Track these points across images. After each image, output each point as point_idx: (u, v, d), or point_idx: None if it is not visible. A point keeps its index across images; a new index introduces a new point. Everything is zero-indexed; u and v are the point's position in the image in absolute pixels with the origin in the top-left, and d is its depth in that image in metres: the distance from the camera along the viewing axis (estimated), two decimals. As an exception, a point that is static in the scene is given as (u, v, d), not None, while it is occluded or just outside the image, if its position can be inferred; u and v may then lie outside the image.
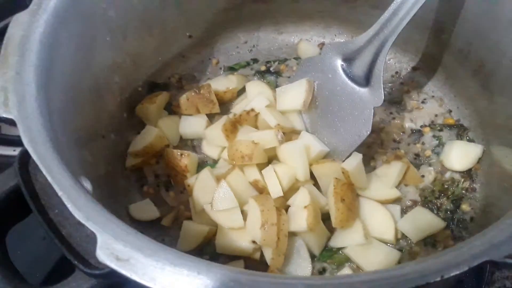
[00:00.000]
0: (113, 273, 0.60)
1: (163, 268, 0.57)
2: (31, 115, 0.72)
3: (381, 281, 0.55)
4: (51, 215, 0.69)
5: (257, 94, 1.14)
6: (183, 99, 1.16)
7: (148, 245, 0.59)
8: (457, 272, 0.56)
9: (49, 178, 0.64)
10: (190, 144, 1.16)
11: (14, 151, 1.25)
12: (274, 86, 1.23)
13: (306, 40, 1.33)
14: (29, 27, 0.82)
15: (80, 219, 0.60)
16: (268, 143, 1.03)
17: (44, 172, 0.65)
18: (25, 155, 0.73)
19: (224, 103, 1.20)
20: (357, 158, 1.00)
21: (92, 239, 0.63)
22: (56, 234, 0.67)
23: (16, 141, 1.25)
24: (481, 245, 0.58)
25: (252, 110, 1.10)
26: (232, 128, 1.09)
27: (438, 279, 0.55)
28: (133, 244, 0.59)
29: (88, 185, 0.76)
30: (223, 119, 1.09)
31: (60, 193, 0.63)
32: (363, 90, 1.05)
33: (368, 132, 1.02)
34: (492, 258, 0.57)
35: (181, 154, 1.07)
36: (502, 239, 0.59)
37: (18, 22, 0.82)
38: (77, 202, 0.63)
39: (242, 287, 0.55)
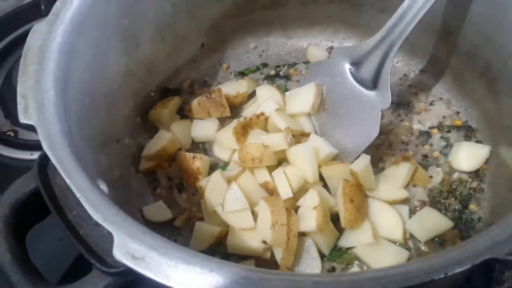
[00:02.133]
0: (128, 272, 0.63)
1: (177, 266, 0.59)
2: (50, 121, 0.75)
3: (387, 278, 0.57)
4: (69, 216, 0.72)
5: (267, 98, 1.17)
6: (195, 103, 1.19)
7: (162, 244, 0.62)
8: (461, 269, 0.58)
9: (67, 181, 0.67)
10: (201, 147, 1.19)
11: (31, 155, 1.29)
12: (284, 90, 1.25)
13: (315, 45, 1.35)
14: (48, 37, 0.85)
15: (97, 219, 0.63)
16: (277, 146, 1.05)
17: (63, 175, 0.68)
18: (44, 159, 0.76)
19: (235, 107, 1.23)
20: (365, 159, 1.02)
21: (108, 239, 0.66)
22: (74, 234, 0.70)
23: (33, 146, 1.30)
24: (484, 243, 0.60)
25: (262, 114, 1.12)
26: (243, 132, 1.11)
27: (442, 276, 0.57)
28: (148, 243, 0.61)
29: (104, 187, 0.79)
30: (234, 123, 1.11)
31: (78, 195, 0.66)
32: (371, 93, 1.07)
33: (376, 134, 1.04)
34: (495, 255, 0.58)
35: (194, 157, 1.10)
36: (504, 237, 0.60)
37: (36, 32, 0.85)
38: (94, 204, 0.65)
39: (252, 284, 0.58)
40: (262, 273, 0.59)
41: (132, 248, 0.61)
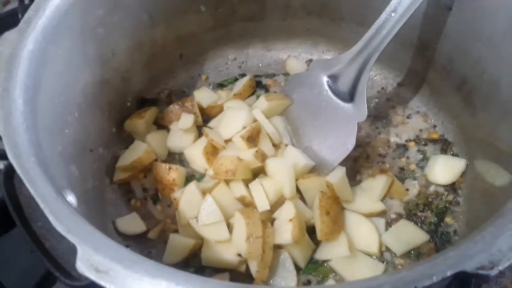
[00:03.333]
0: (93, 285, 0.61)
1: (142, 279, 0.58)
2: (17, 130, 0.74)
3: (356, 291, 0.56)
4: (34, 228, 0.70)
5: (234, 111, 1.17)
6: (167, 111, 1.18)
7: (128, 257, 0.60)
8: (430, 283, 0.57)
9: (31, 191, 0.65)
10: (178, 158, 1.17)
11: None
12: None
13: (294, 57, 1.36)
14: (18, 45, 0.84)
15: (61, 231, 0.62)
16: (251, 163, 1.04)
17: (27, 185, 0.66)
18: (10, 169, 0.74)
19: (212, 117, 1.22)
20: (341, 171, 1.02)
21: (73, 251, 0.64)
22: (38, 246, 0.68)
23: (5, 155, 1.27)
24: (455, 256, 0.59)
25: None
26: (213, 151, 1.11)
27: (411, 289, 0.56)
28: (112, 256, 0.60)
29: (72, 198, 0.78)
30: (204, 142, 1.11)
31: (42, 206, 0.64)
32: (347, 106, 1.07)
33: (353, 146, 1.04)
34: (465, 269, 0.58)
35: (169, 168, 1.09)
36: (475, 250, 0.60)
37: (6, 40, 0.84)
38: (58, 215, 0.64)
39: (220, 298, 0.56)
40: (229, 287, 0.58)
41: (96, 260, 0.59)
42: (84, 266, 0.59)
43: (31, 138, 0.75)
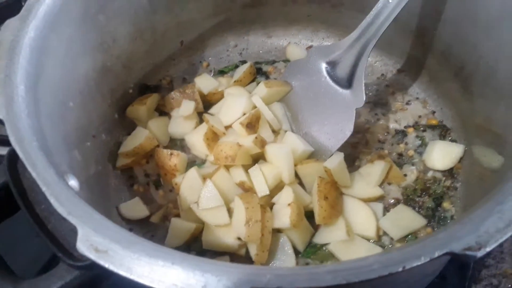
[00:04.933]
0: (94, 265, 0.63)
1: (139, 259, 0.60)
2: (19, 115, 0.75)
3: (346, 271, 0.58)
4: (37, 210, 0.72)
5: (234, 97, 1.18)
6: (168, 98, 1.20)
7: (126, 238, 0.62)
8: (419, 263, 0.58)
9: (33, 174, 0.67)
10: (179, 144, 1.19)
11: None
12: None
13: (294, 44, 1.36)
14: (19, 32, 0.85)
15: (61, 213, 0.63)
16: (251, 149, 1.06)
17: (29, 168, 0.68)
18: (13, 153, 0.76)
19: (213, 104, 1.23)
20: (339, 156, 1.03)
21: (75, 233, 0.67)
22: (41, 228, 0.70)
23: (1, 141, 1.29)
24: (443, 238, 0.61)
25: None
26: (214, 137, 1.12)
27: (400, 269, 0.58)
28: (111, 237, 0.62)
29: (75, 182, 0.79)
30: (204, 128, 1.12)
31: (43, 188, 0.66)
32: (346, 92, 1.08)
33: (351, 132, 1.05)
34: (453, 250, 0.59)
35: (171, 154, 1.11)
36: (463, 232, 0.61)
37: (8, 27, 0.85)
38: (60, 197, 0.66)
39: (214, 276, 0.58)
40: (224, 266, 0.60)
41: (95, 241, 0.61)
42: (84, 246, 0.61)
43: (33, 123, 0.76)
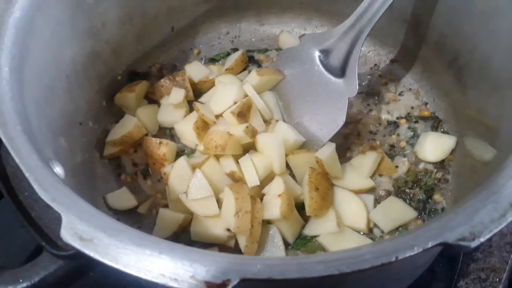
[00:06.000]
0: (79, 255, 0.61)
1: (126, 248, 0.58)
2: (2, 98, 0.73)
3: (337, 261, 0.56)
4: (20, 198, 0.70)
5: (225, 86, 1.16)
6: (158, 86, 1.17)
7: (112, 226, 0.60)
8: (412, 254, 0.57)
9: (16, 160, 0.65)
10: (168, 133, 1.17)
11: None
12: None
13: (287, 32, 1.34)
14: (4, 12, 0.82)
15: (45, 199, 0.61)
16: (242, 139, 1.04)
17: (12, 153, 0.66)
18: (-4, 139, 0.74)
19: (204, 92, 1.21)
20: (331, 147, 1.02)
21: (59, 221, 0.65)
22: (24, 216, 0.68)
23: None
24: (436, 228, 0.59)
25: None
26: (203, 126, 1.10)
27: (393, 259, 0.57)
28: (96, 225, 0.60)
29: (60, 169, 0.77)
30: (194, 116, 1.10)
31: (27, 174, 0.64)
32: (338, 81, 1.06)
33: (343, 122, 1.04)
34: (446, 240, 0.58)
35: (160, 143, 1.08)
36: (457, 222, 0.60)
37: (-7, 8, 0.82)
38: (44, 184, 0.63)
39: (203, 265, 0.56)
40: (213, 255, 0.58)
41: (80, 229, 0.59)
42: (68, 234, 0.59)
43: (17, 107, 0.74)
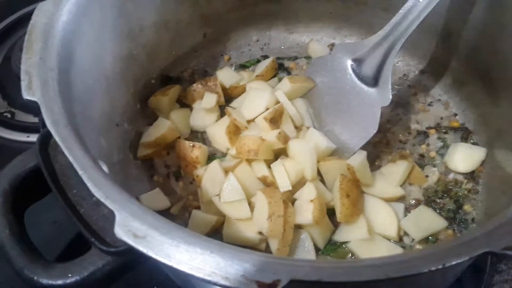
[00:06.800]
0: (127, 251, 0.63)
1: (178, 246, 0.59)
2: (53, 98, 0.75)
3: (386, 266, 0.58)
4: (69, 195, 0.71)
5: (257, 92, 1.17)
6: (190, 90, 1.20)
7: (164, 224, 0.62)
8: (458, 261, 0.58)
9: (70, 158, 0.67)
10: (200, 136, 1.18)
11: (27, 137, 1.29)
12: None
13: (316, 41, 1.36)
14: (53, 15, 0.85)
15: (99, 197, 0.63)
16: (274, 144, 1.05)
17: (66, 152, 0.67)
18: (45, 137, 0.75)
19: (234, 98, 1.23)
20: (362, 154, 1.03)
21: (107, 218, 0.66)
22: (73, 213, 0.69)
23: (29, 128, 1.30)
24: (482, 237, 0.60)
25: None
26: (236, 131, 1.12)
27: (440, 266, 0.57)
28: (149, 223, 0.61)
29: (105, 168, 0.79)
30: (226, 121, 1.12)
31: (80, 172, 0.65)
32: (371, 90, 1.07)
33: (375, 131, 1.05)
34: (492, 249, 0.59)
35: (193, 146, 1.10)
36: (503, 231, 0.61)
37: (42, 10, 0.85)
38: (96, 182, 0.65)
39: (253, 266, 0.58)
40: (262, 256, 0.59)
41: (133, 226, 0.61)
42: (122, 231, 0.60)
43: (66, 107, 0.76)
